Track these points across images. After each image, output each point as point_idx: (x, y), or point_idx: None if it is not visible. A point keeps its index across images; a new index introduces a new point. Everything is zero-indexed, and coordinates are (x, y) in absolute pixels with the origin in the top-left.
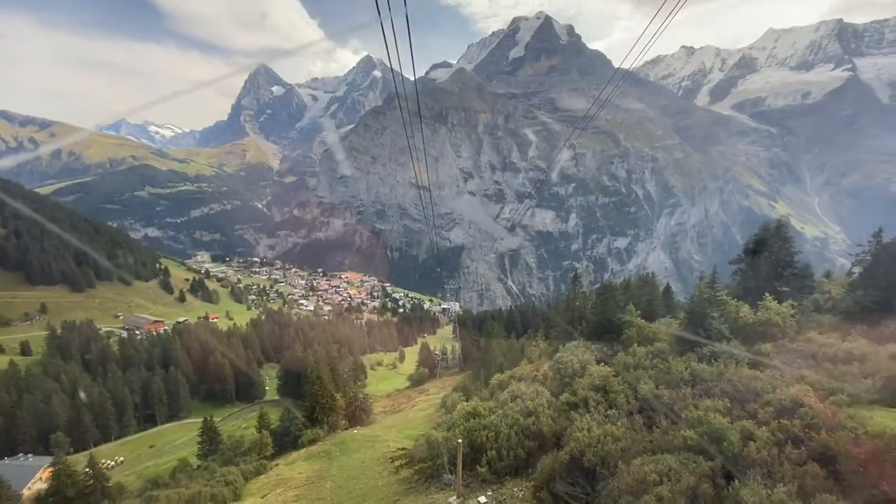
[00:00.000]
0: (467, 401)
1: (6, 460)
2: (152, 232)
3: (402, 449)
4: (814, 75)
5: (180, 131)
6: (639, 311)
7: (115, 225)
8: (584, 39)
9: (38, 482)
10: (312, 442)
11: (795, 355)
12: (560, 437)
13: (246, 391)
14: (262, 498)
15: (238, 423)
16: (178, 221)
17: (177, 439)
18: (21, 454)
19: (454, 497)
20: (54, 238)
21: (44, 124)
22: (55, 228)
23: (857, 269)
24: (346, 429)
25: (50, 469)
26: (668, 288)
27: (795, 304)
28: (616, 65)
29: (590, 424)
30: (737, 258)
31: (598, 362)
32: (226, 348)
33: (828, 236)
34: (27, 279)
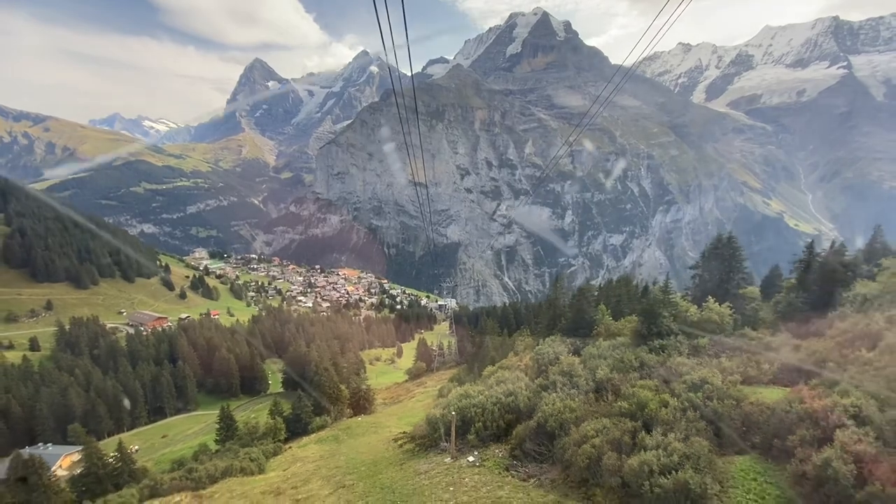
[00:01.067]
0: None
1: (27, 449)
2: (148, 228)
3: (404, 432)
4: (809, 73)
5: (175, 126)
6: (609, 310)
7: (110, 221)
8: (580, 36)
9: (59, 469)
10: (321, 428)
11: (727, 347)
12: (532, 412)
13: (250, 385)
14: (285, 471)
15: (246, 414)
16: (175, 217)
17: (187, 429)
18: (40, 443)
19: (449, 458)
20: (57, 236)
21: (38, 119)
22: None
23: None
24: (351, 417)
25: (70, 457)
26: (646, 288)
27: (733, 306)
28: (613, 62)
29: (554, 400)
30: (695, 264)
31: (569, 353)
32: (231, 344)
33: (821, 233)
34: (32, 276)
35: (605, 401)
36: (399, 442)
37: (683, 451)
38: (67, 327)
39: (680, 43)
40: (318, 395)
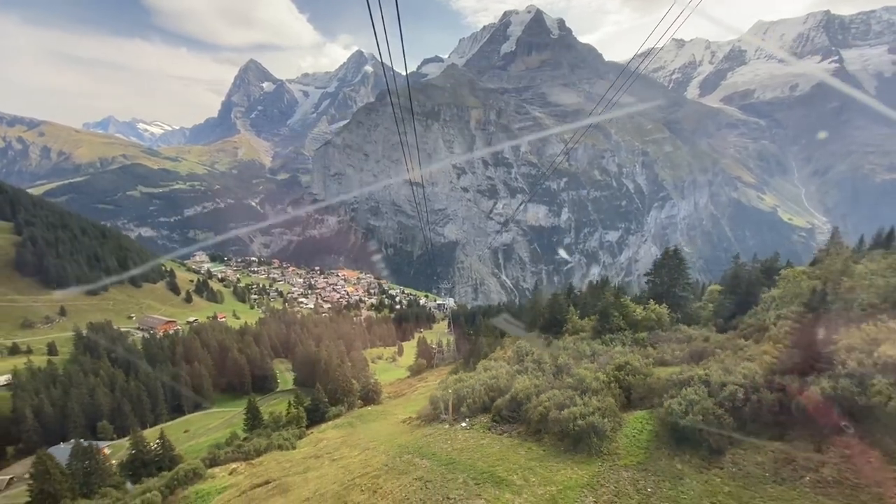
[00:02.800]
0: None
1: (62, 445)
2: (146, 232)
3: (410, 417)
4: (801, 67)
5: (170, 128)
6: (578, 311)
7: (108, 225)
8: (574, 33)
9: None
10: (337, 416)
11: (659, 339)
12: (509, 389)
13: (261, 383)
14: (315, 446)
15: (264, 408)
16: (172, 221)
17: (207, 424)
18: (73, 439)
19: (447, 425)
20: (67, 243)
21: (32, 124)
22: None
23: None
24: (362, 407)
25: (102, 451)
26: (620, 288)
27: (678, 305)
28: (607, 58)
29: (524, 380)
30: (648, 271)
31: (542, 346)
32: (241, 345)
33: (814, 227)
34: (44, 284)
35: (560, 379)
36: (407, 421)
37: (597, 406)
38: (85, 332)
39: (673, 39)
40: (332, 387)
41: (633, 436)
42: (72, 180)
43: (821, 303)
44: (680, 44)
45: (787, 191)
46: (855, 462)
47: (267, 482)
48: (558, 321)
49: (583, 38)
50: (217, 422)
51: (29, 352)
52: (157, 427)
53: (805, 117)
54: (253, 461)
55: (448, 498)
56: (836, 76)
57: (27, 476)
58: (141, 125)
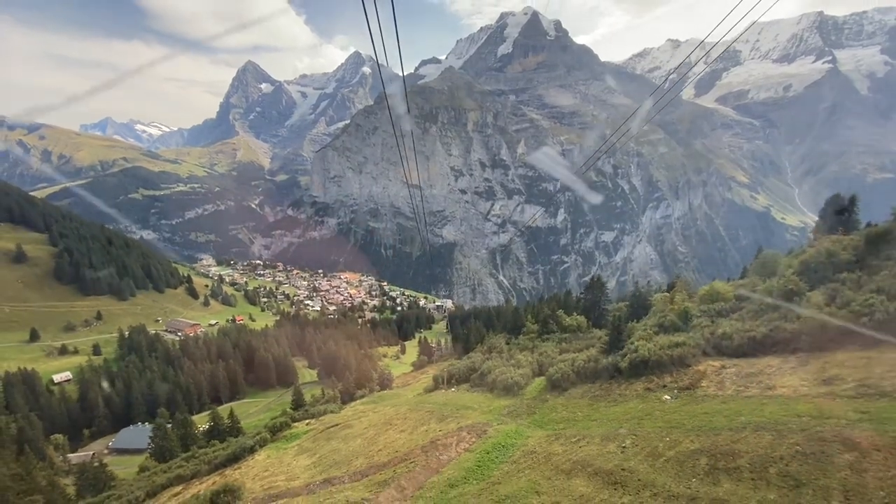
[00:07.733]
0: None
1: (131, 427)
2: (148, 234)
3: (418, 393)
4: (795, 67)
5: (168, 130)
6: (533, 317)
7: (111, 228)
8: (570, 34)
9: None
10: (361, 397)
11: (576, 338)
12: (480, 368)
13: (284, 378)
14: (354, 411)
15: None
16: (174, 223)
17: (247, 411)
18: (139, 423)
19: (443, 389)
20: (98, 254)
21: (32, 127)
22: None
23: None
24: (379, 391)
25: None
26: (578, 299)
27: (598, 316)
28: (602, 59)
29: (489, 363)
30: (582, 290)
31: (505, 342)
32: (266, 345)
33: (807, 226)
34: (81, 291)
35: (508, 361)
36: (416, 395)
37: (521, 373)
38: (127, 334)
39: (669, 39)
40: (356, 376)
41: (535, 387)
42: (73, 183)
43: (620, 320)
44: (675, 44)
45: (781, 190)
46: (610, 389)
47: (336, 424)
48: (519, 326)
49: (579, 39)
50: (255, 408)
51: (76, 352)
52: (204, 413)
53: (798, 117)
54: (318, 418)
55: (443, 415)
56: (829, 77)
57: (105, 451)
58: (139, 126)
